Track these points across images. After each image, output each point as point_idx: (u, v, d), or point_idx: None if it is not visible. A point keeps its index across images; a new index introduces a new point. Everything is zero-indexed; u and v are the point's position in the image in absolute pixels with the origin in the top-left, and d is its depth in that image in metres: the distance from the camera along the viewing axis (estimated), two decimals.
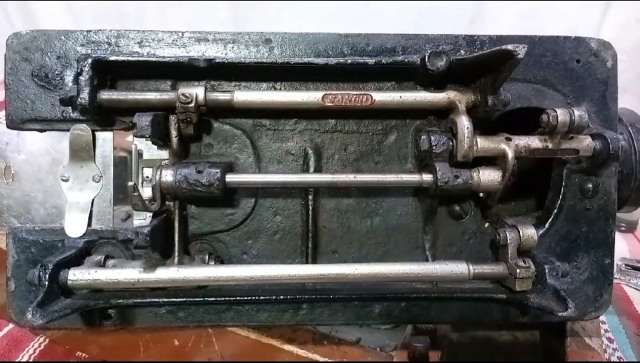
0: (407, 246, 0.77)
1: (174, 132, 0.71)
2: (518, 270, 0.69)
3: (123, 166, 0.77)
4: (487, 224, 0.78)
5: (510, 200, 0.84)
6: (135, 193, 0.64)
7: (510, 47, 0.60)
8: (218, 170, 0.68)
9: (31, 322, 0.60)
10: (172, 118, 0.70)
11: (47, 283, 0.62)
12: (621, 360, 0.90)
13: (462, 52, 0.74)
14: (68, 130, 0.72)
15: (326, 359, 0.87)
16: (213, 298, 0.72)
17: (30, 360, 0.83)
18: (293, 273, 0.69)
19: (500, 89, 0.68)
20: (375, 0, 1.51)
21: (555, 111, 0.68)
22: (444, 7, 1.51)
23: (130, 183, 0.64)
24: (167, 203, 0.72)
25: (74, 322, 0.71)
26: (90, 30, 0.72)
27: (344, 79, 0.75)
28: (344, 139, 0.77)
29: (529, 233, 0.71)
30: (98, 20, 1.59)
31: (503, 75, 0.65)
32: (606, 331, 0.93)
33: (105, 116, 0.71)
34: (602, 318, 0.92)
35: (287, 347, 0.87)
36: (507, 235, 0.71)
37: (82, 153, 0.72)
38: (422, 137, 0.72)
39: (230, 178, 0.69)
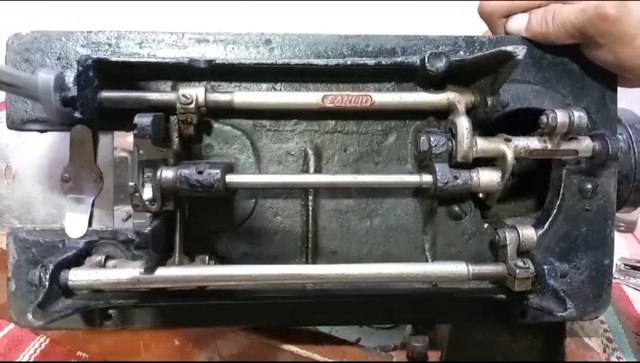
0: (406, 247, 0.78)
1: (174, 133, 0.71)
2: (517, 271, 0.69)
3: (124, 167, 0.77)
4: (486, 225, 0.78)
5: (509, 201, 0.85)
6: (136, 194, 0.64)
7: (509, 48, 0.61)
8: (218, 171, 0.68)
9: (32, 322, 0.60)
10: (173, 119, 0.70)
11: (47, 283, 0.62)
12: (620, 360, 0.90)
13: (462, 53, 0.74)
14: (69, 130, 0.72)
15: (326, 359, 0.87)
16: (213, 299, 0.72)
17: (31, 360, 0.83)
18: (293, 273, 0.69)
19: (499, 90, 0.68)
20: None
21: (555, 112, 0.68)
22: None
23: (131, 184, 0.64)
24: (167, 203, 0.72)
25: (75, 322, 0.71)
26: (90, 31, 0.72)
27: (343, 80, 0.75)
28: (343, 140, 0.77)
29: (528, 233, 0.71)
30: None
31: (502, 76, 0.65)
32: (605, 331, 0.94)
33: (105, 117, 0.71)
34: (601, 318, 0.93)
35: (287, 347, 0.87)
36: (507, 235, 0.71)
37: (82, 153, 0.72)
38: (422, 138, 0.72)
39: (230, 178, 0.69)
